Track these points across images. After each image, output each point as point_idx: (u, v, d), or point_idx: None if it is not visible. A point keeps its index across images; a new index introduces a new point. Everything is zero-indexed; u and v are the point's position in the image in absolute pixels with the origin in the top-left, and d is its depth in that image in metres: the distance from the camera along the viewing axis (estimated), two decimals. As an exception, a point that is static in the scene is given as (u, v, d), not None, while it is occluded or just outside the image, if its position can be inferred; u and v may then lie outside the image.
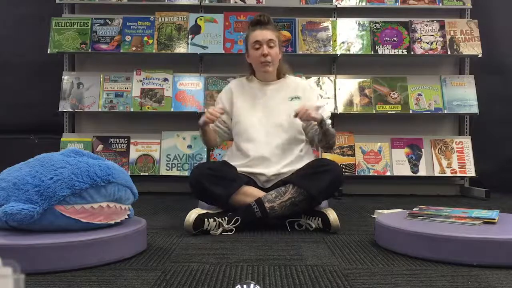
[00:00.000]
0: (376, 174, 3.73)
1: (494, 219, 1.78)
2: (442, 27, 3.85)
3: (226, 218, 2.10)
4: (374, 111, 3.77)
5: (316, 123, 2.24)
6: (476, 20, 3.87)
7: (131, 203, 1.79)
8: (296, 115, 2.17)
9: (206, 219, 2.06)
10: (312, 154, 2.43)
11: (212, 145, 2.51)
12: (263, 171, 2.27)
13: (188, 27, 3.79)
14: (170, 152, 3.71)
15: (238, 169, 2.28)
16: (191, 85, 3.80)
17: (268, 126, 2.32)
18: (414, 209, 2.01)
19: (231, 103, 2.40)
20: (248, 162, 2.29)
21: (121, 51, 3.77)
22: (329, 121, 2.32)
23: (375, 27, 3.84)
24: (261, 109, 2.36)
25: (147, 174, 3.68)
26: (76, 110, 3.76)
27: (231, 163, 2.33)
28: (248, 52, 2.40)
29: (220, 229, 2.08)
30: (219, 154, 3.69)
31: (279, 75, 2.43)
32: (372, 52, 3.80)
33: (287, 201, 2.13)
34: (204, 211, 2.12)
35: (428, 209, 1.99)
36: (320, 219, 2.15)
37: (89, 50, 3.78)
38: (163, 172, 3.68)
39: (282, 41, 2.57)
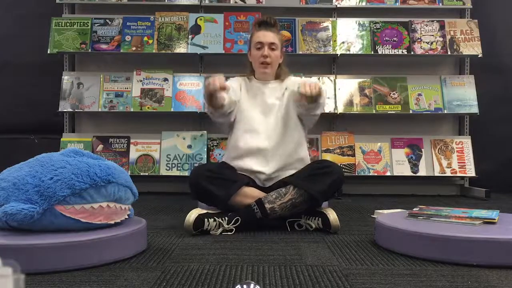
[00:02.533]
0: (376, 174, 3.73)
1: (494, 219, 1.78)
2: (442, 27, 3.85)
3: (226, 218, 2.10)
4: (374, 111, 3.77)
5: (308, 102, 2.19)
6: (476, 20, 3.87)
7: (131, 203, 1.79)
8: (305, 93, 2.09)
9: (206, 219, 2.06)
10: (307, 152, 2.42)
11: (218, 105, 2.18)
12: (262, 169, 2.27)
13: (188, 27, 3.79)
14: (170, 152, 3.71)
15: (237, 167, 2.28)
16: (191, 85, 3.80)
17: (266, 124, 2.33)
18: (414, 209, 2.01)
19: (240, 90, 2.40)
20: (245, 153, 2.29)
21: (121, 51, 3.77)
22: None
23: (375, 27, 3.84)
24: (260, 107, 2.37)
25: (147, 174, 3.68)
26: (76, 110, 3.76)
27: (228, 159, 2.34)
28: (250, 50, 2.42)
29: (220, 229, 2.08)
30: (219, 154, 3.69)
31: (278, 76, 2.44)
32: (372, 52, 3.80)
33: (287, 202, 2.13)
34: (204, 211, 2.12)
35: (428, 209, 1.99)
36: (320, 219, 2.15)
37: (89, 50, 3.78)
38: (163, 172, 3.68)
39: (284, 44, 2.55)
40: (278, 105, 2.36)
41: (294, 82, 2.42)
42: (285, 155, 2.30)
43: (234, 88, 2.37)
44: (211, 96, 2.14)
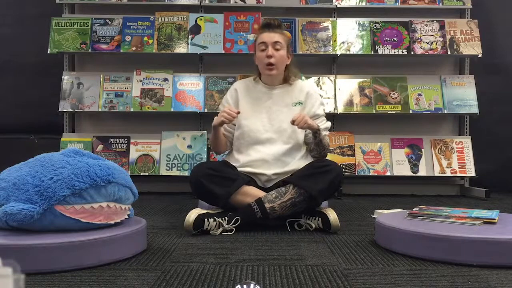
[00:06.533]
0: (376, 174, 3.73)
1: (494, 219, 1.78)
2: (442, 27, 3.85)
3: (226, 218, 2.10)
4: (374, 111, 3.77)
5: (310, 131, 2.25)
6: (476, 20, 3.87)
7: (131, 203, 1.79)
8: (293, 122, 2.17)
9: (206, 219, 2.06)
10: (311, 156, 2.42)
11: (223, 149, 2.42)
12: (264, 171, 2.27)
13: (188, 27, 3.79)
14: (170, 152, 3.71)
15: (238, 168, 2.28)
16: (191, 85, 3.80)
17: (271, 131, 2.31)
18: (414, 209, 2.02)
19: (237, 105, 2.38)
20: (248, 164, 2.29)
21: (121, 51, 3.76)
22: (326, 132, 2.33)
23: (375, 27, 3.84)
24: (265, 113, 2.34)
25: (147, 174, 3.68)
26: (76, 110, 3.76)
27: (230, 160, 2.34)
28: (255, 54, 2.37)
29: (220, 229, 2.08)
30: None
31: (286, 79, 2.39)
32: (372, 52, 3.80)
33: (287, 202, 2.12)
34: (204, 211, 2.12)
35: (428, 209, 1.99)
36: (320, 219, 2.15)
37: (89, 50, 3.78)
38: (163, 172, 3.68)
39: (291, 44, 2.52)
40: (285, 114, 2.31)
41: (302, 89, 2.39)
42: (289, 163, 2.29)
43: (231, 104, 2.37)
44: (218, 132, 2.30)
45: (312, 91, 2.41)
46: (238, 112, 2.23)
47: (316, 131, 2.23)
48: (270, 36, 2.30)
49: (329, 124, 2.38)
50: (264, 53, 2.29)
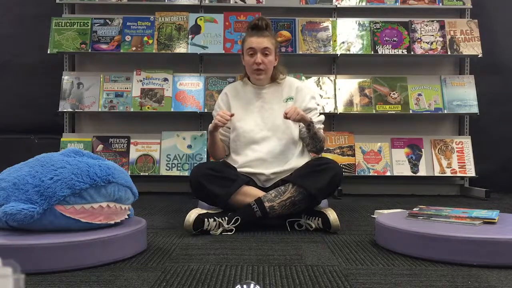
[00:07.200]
0: (376, 174, 3.73)
1: (494, 219, 1.78)
2: (442, 27, 3.85)
3: (226, 218, 2.10)
4: (374, 111, 3.77)
5: (303, 125, 2.25)
6: (476, 20, 3.87)
7: (131, 203, 1.79)
8: (285, 115, 2.17)
9: (206, 219, 2.06)
10: (309, 153, 2.43)
11: (221, 155, 2.41)
12: (262, 171, 2.27)
13: (188, 27, 3.79)
14: (170, 152, 3.71)
15: (237, 169, 2.28)
16: (191, 85, 3.80)
17: (265, 130, 2.32)
18: (414, 209, 2.02)
19: (229, 109, 2.39)
20: (246, 165, 2.29)
21: (121, 51, 3.77)
22: (320, 126, 2.33)
23: (375, 27, 3.84)
24: (258, 112, 2.35)
25: (147, 174, 3.68)
26: (76, 110, 3.76)
27: (229, 161, 2.35)
28: (243, 55, 2.40)
29: (220, 229, 2.08)
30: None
31: (274, 78, 2.40)
32: (372, 52, 3.80)
33: (286, 200, 2.13)
34: (204, 211, 2.13)
35: (428, 209, 1.99)
36: (320, 219, 2.15)
37: (89, 50, 3.78)
38: (163, 172, 3.68)
39: (278, 45, 2.53)
40: (278, 111, 2.32)
41: (291, 84, 2.40)
42: (285, 163, 2.29)
43: (223, 109, 2.37)
44: (214, 137, 2.30)
45: (301, 85, 2.42)
46: (232, 115, 2.24)
47: (309, 124, 2.23)
48: (258, 42, 2.30)
49: (322, 117, 2.39)
50: (252, 59, 2.31)
